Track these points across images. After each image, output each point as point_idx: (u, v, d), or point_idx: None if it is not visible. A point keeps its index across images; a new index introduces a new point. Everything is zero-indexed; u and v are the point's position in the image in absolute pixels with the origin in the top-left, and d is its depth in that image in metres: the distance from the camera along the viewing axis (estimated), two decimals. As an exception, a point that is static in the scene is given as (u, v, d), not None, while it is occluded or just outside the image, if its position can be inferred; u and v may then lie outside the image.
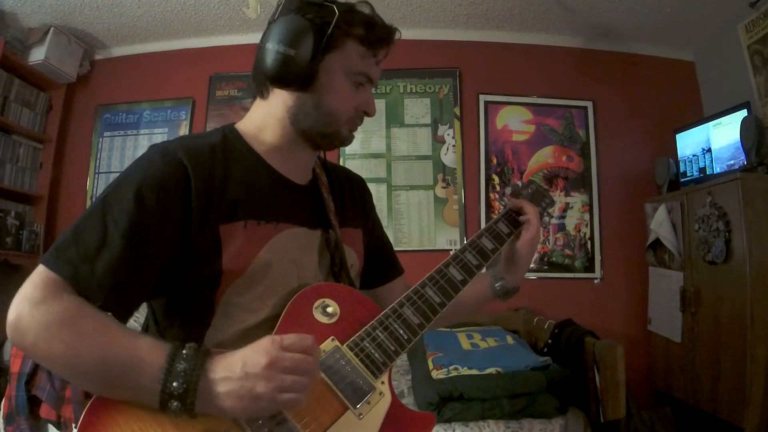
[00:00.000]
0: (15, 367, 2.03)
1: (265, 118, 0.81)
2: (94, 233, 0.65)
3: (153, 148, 0.74)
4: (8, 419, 2.00)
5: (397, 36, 0.81)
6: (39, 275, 0.63)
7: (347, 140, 0.83)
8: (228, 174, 0.75)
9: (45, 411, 1.99)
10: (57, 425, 2.00)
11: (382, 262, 1.00)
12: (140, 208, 0.66)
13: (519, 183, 1.08)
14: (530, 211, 0.96)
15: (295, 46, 0.73)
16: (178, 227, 0.69)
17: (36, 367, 2.03)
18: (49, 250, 0.65)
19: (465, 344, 2.20)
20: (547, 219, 1.06)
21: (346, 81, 0.78)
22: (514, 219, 0.99)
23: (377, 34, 0.78)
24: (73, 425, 1.97)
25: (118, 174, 0.71)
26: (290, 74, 0.74)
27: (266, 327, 0.73)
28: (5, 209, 2.74)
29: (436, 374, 1.88)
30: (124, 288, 0.66)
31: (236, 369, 0.59)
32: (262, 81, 0.79)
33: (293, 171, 0.83)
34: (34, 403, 2.02)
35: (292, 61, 0.73)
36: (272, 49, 0.74)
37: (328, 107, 0.78)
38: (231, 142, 0.79)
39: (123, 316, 0.67)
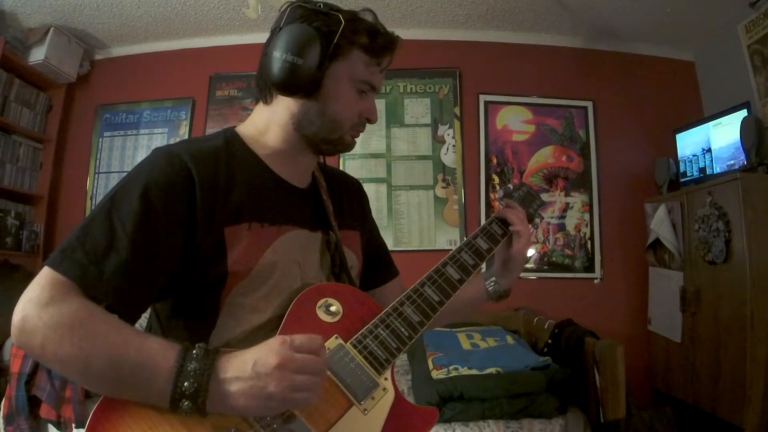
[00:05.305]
0: (15, 367, 2.03)
1: (268, 124, 0.82)
2: (102, 235, 0.65)
3: (157, 150, 0.74)
4: (8, 419, 2.00)
5: (399, 44, 0.82)
6: (45, 277, 0.62)
7: (350, 146, 0.84)
8: (231, 177, 0.76)
9: (45, 411, 1.99)
10: (57, 425, 2.00)
11: (378, 265, 1.01)
12: (147, 210, 0.67)
13: (510, 186, 1.07)
14: (516, 221, 0.94)
15: (302, 55, 0.74)
16: (183, 229, 0.70)
17: (36, 367, 2.03)
18: (55, 252, 0.64)
19: (465, 344, 2.20)
20: (538, 220, 1.06)
21: (351, 89, 0.79)
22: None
23: (381, 43, 0.79)
24: (73, 425, 1.97)
25: (118, 174, 0.71)
26: (297, 82, 0.75)
27: (271, 326, 0.74)
28: (5, 209, 2.74)
29: (436, 374, 1.88)
30: (132, 290, 0.66)
31: (247, 368, 0.60)
32: (267, 87, 0.80)
33: (294, 175, 0.84)
34: (34, 403, 2.02)
35: (298, 69, 0.74)
36: (279, 57, 0.75)
37: (332, 114, 0.79)
38: (233, 145, 0.80)
39: (131, 318, 0.67)
